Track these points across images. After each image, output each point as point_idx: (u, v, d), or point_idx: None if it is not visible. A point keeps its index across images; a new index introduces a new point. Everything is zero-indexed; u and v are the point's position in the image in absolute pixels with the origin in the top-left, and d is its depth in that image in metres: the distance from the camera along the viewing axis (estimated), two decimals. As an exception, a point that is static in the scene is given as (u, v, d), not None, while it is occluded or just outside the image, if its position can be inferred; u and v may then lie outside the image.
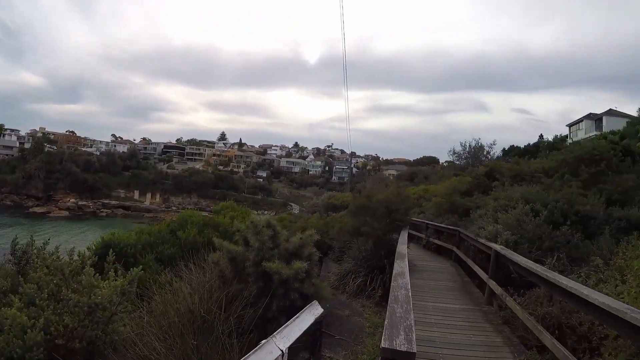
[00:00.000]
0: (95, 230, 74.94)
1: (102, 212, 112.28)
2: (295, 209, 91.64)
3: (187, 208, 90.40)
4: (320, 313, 4.85)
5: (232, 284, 6.46)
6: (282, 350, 3.66)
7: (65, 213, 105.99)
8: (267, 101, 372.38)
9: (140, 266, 7.06)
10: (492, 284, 9.37)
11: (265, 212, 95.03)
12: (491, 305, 9.57)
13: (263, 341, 3.76)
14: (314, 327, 7.52)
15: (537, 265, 7.19)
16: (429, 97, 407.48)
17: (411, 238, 20.12)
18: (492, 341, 7.21)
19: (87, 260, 6.91)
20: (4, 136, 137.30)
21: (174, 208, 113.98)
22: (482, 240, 11.41)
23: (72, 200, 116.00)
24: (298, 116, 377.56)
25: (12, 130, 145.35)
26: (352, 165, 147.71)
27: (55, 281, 6.18)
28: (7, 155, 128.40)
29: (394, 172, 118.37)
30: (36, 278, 6.30)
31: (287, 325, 4.14)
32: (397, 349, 2.99)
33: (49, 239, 11.58)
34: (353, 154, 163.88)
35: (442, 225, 18.35)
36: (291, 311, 6.09)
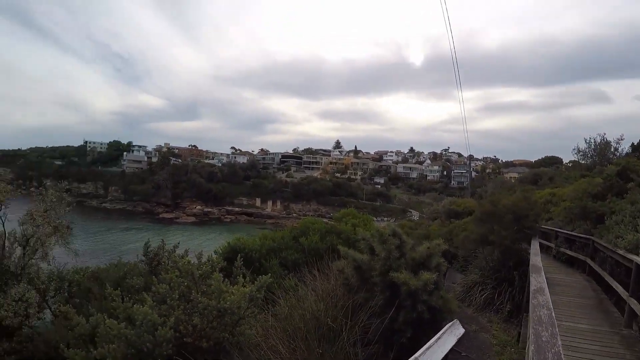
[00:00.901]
0: (220, 235, 78.35)
1: (227, 218, 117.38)
2: (415, 215, 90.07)
3: (307, 215, 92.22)
4: (461, 334, 4.53)
5: (358, 293, 6.34)
6: None
7: (192, 219, 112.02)
8: (378, 107, 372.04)
9: (269, 274, 7.16)
10: (633, 303, 8.23)
11: (385, 218, 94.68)
12: (631, 328, 8.46)
13: None
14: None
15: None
16: (542, 92, 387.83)
17: (540, 247, 19.01)
18: (632, 372, 6.28)
19: (216, 265, 7.09)
20: (132, 152, 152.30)
21: (294, 215, 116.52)
22: (621, 252, 10.27)
23: (198, 207, 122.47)
24: (410, 120, 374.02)
25: (140, 146, 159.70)
26: (471, 168, 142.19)
27: (185, 283, 6.42)
28: (137, 168, 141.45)
29: (515, 174, 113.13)
30: (168, 279, 6.58)
31: (430, 347, 3.88)
32: None
33: (178, 243, 12.17)
34: (471, 157, 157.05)
35: (573, 233, 16.77)
36: (417, 324, 5.87)
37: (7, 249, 15.95)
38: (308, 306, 6.00)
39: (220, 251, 13.01)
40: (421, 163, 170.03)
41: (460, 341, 7.94)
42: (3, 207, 16.23)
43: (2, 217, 16.33)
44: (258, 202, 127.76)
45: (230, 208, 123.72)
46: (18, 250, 16.01)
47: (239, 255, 7.88)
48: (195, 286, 6.48)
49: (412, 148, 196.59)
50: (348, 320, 5.54)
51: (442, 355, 3.85)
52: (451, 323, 4.63)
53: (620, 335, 8.16)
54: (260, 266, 11.85)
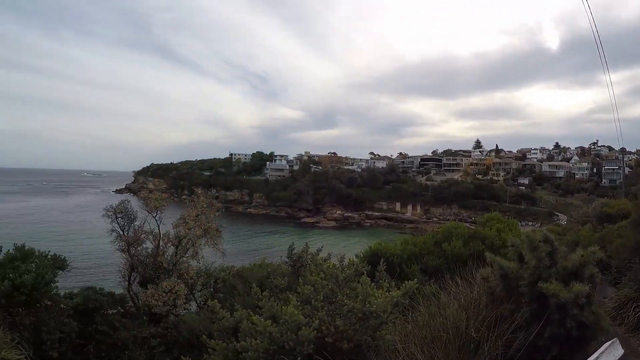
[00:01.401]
0: (360, 240, 79.23)
1: (366, 222, 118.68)
2: (563, 219, 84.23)
3: (448, 219, 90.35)
4: (620, 355, 4.04)
5: (502, 304, 6.01)
6: None
7: (333, 223, 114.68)
8: (517, 101, 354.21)
9: (415, 279, 7.05)
10: None
11: (530, 223, 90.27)
12: None
13: None
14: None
15: None
16: None
17: None
18: None
19: (361, 269, 7.13)
20: (275, 161, 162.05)
21: (434, 219, 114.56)
22: None
23: (339, 212, 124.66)
24: (553, 112, 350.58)
25: (282, 155, 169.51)
26: (624, 164, 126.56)
27: (330, 286, 6.52)
28: (279, 176, 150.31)
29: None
30: (312, 281, 6.74)
31: None
32: None
33: (322, 247, 12.40)
34: (623, 150, 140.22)
35: None
36: (564, 341, 5.44)
37: (161, 247, 17.56)
38: (449, 314, 5.80)
39: (362, 255, 13.08)
40: (568, 160, 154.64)
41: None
42: (158, 212, 17.83)
43: (158, 221, 17.94)
44: (398, 206, 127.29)
45: (370, 212, 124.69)
46: (171, 249, 17.64)
47: (382, 259, 7.87)
48: (339, 289, 6.56)
49: (557, 144, 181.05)
50: (490, 333, 5.27)
51: None
52: (610, 342, 4.14)
53: None
54: (401, 271, 11.73)
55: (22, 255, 13.07)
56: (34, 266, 12.72)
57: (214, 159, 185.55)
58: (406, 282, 6.76)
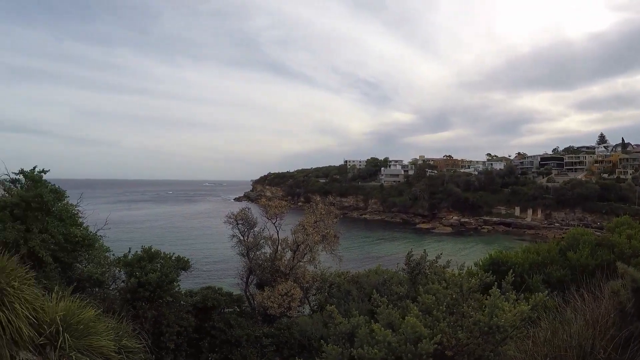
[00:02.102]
0: (475, 246, 77.18)
1: (484, 228, 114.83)
2: None
3: (571, 225, 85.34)
4: None
5: (635, 322, 5.49)
6: None
7: (449, 229, 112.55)
8: None
9: (546, 292, 6.62)
10: None
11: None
12: None
13: None
14: None
15: None
16: None
17: None
18: None
19: (485, 279, 6.83)
20: (389, 167, 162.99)
21: (556, 224, 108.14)
22: None
23: (455, 217, 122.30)
24: None
25: (396, 161, 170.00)
26: None
27: (454, 295, 6.31)
28: (394, 181, 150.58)
29: None
30: (434, 289, 6.55)
31: None
32: None
33: (441, 254, 12.15)
34: None
35: None
36: None
37: (279, 252, 18.19)
38: (573, 332, 5.38)
39: (481, 263, 12.59)
40: None
41: None
42: (278, 218, 18.47)
43: (277, 227, 18.59)
44: (517, 210, 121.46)
45: (487, 218, 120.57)
46: (288, 254, 18.21)
47: (511, 270, 7.51)
48: (463, 299, 6.32)
49: None
50: (618, 355, 4.82)
51: None
52: None
53: None
54: (522, 281, 11.14)
55: (149, 256, 14.29)
56: (159, 266, 13.97)
57: (329, 166, 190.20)
58: (536, 294, 6.35)
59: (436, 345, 5.49)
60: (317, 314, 17.31)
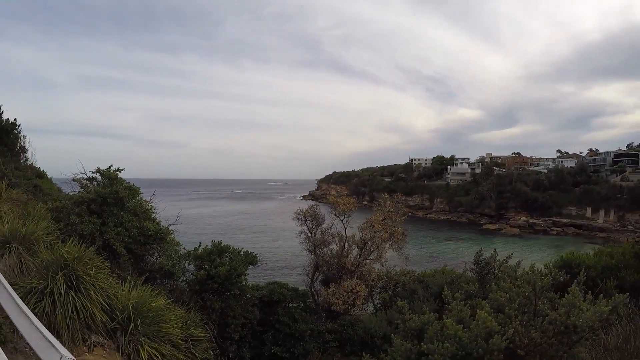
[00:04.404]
0: (542, 248, 75.13)
1: (553, 230, 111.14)
2: None
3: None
4: None
5: None
6: None
7: (516, 230, 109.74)
8: None
9: (627, 293, 6.32)
10: None
11: None
12: None
13: None
14: None
15: None
16: None
17: None
18: None
19: (559, 278, 6.61)
20: (456, 165, 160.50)
21: (630, 227, 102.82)
22: None
23: (523, 218, 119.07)
24: None
25: (462, 159, 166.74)
26: None
27: (526, 294, 6.17)
28: (461, 180, 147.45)
29: None
30: (507, 287, 6.47)
31: None
32: None
33: (512, 254, 11.92)
34: None
35: None
36: None
37: (346, 249, 18.26)
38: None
39: (552, 265, 12.22)
40: None
41: None
42: (346, 215, 18.57)
43: (345, 224, 18.70)
44: (589, 211, 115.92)
45: (556, 219, 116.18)
46: (355, 251, 18.24)
47: (582, 269, 7.29)
48: (536, 297, 6.15)
49: None
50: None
51: None
52: None
53: None
54: (594, 285, 10.74)
55: (219, 250, 14.86)
56: (227, 260, 14.54)
57: (394, 165, 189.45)
58: (617, 294, 6.03)
59: (507, 342, 5.37)
60: (381, 312, 17.31)
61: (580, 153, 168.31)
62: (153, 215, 14.21)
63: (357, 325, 15.90)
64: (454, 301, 6.84)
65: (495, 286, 7.22)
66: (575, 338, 5.48)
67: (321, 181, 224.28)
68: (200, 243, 15.18)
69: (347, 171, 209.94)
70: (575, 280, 6.40)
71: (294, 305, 16.62)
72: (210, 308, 13.55)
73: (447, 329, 5.88)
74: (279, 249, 56.49)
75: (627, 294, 5.99)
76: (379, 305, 18.85)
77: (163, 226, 14.06)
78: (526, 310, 5.88)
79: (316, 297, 18.04)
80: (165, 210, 15.31)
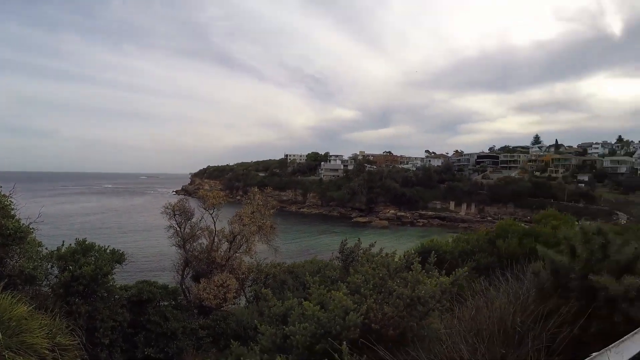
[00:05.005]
0: (411, 238, 79.10)
1: (419, 222, 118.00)
2: (622, 218, 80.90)
3: (503, 219, 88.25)
4: None
5: (552, 298, 5.87)
6: None
7: (385, 223, 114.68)
8: (578, 93, 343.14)
9: (465, 268, 6.99)
10: None
11: (588, 222, 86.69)
12: None
13: (595, 354, 3.33)
14: None
15: None
16: None
17: None
18: None
19: (412, 259, 7.14)
20: (329, 161, 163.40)
21: (488, 219, 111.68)
22: None
23: (392, 211, 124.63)
24: (616, 104, 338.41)
25: (336, 156, 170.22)
26: None
27: (380, 275, 6.61)
28: (333, 176, 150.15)
29: None
30: (363, 271, 6.84)
31: (624, 340, 3.51)
32: None
33: (374, 242, 12.46)
34: None
35: None
36: (608, 337, 5.25)
37: (216, 243, 18.11)
38: (495, 308, 5.73)
39: (414, 251, 13.00)
40: (631, 154, 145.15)
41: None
42: (215, 209, 18.35)
43: (214, 218, 18.47)
44: (452, 205, 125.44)
45: (423, 212, 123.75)
46: (225, 245, 18.14)
47: (433, 252, 7.87)
48: (389, 277, 6.61)
49: (620, 137, 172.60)
50: (536, 327, 5.17)
51: (637, 351, 3.43)
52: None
53: None
54: (452, 268, 11.61)
55: (83, 249, 13.89)
56: (93, 259, 13.55)
57: (270, 160, 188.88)
58: (456, 269, 6.73)
59: (363, 317, 5.72)
60: (253, 305, 17.41)
61: (447, 154, 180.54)
62: (12, 212, 13.16)
63: (230, 319, 15.82)
64: (314, 285, 7.19)
65: (352, 270, 7.62)
66: (422, 309, 5.96)
67: (195, 175, 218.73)
68: (63, 242, 14.21)
69: (221, 165, 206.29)
70: (427, 262, 7.05)
71: (165, 303, 16.13)
72: (77, 313, 12.60)
73: (306, 310, 6.15)
74: (151, 248, 54.38)
75: (466, 268, 6.80)
76: (251, 297, 18.89)
77: (23, 224, 13.10)
78: (382, 290, 6.28)
79: (187, 294, 17.69)
80: (25, 208, 14.20)
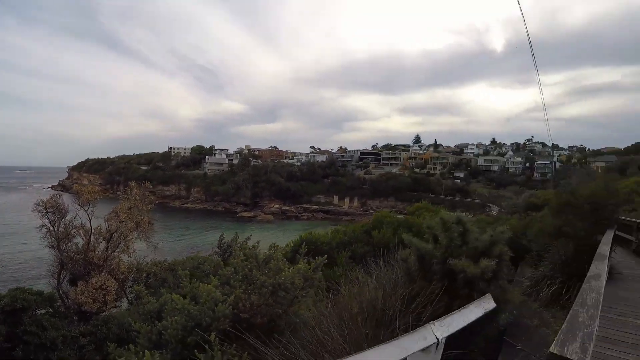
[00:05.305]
0: (296, 232, 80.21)
1: (304, 215, 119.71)
2: (494, 210, 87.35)
3: (390, 210, 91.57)
4: (491, 307, 4.38)
5: (418, 282, 6.35)
6: (437, 339, 3.37)
7: (271, 217, 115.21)
8: (459, 98, 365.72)
9: (325, 255, 7.38)
10: None
11: (463, 214, 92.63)
12: None
13: (421, 327, 3.51)
14: (497, 334, 7.07)
15: None
16: (636, 69, 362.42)
17: (619, 241, 17.99)
18: None
19: (280, 251, 7.41)
20: (214, 155, 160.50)
21: (371, 211, 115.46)
22: None
23: (277, 205, 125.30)
24: (492, 111, 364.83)
25: (222, 149, 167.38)
26: (555, 159, 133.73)
27: (249, 266, 6.79)
28: (218, 170, 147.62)
29: (602, 164, 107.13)
30: (234, 263, 7.00)
31: (450, 315, 3.78)
32: (567, 356, 2.60)
33: (250, 235, 12.59)
34: (556, 147, 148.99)
35: None
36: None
37: (92, 243, 17.25)
38: (366, 293, 6.10)
39: (292, 244, 13.31)
40: (503, 155, 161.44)
41: (518, 333, 7.71)
42: (91, 205, 17.49)
43: (90, 215, 17.61)
44: (336, 199, 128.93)
45: (307, 206, 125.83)
46: (102, 244, 17.30)
47: (303, 243, 8.15)
48: (257, 268, 6.80)
49: (493, 139, 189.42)
50: (405, 308, 5.58)
51: (463, 324, 3.74)
52: (482, 297, 4.51)
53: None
54: (330, 258, 12.04)
55: None
56: None
57: (153, 152, 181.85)
58: (317, 257, 7.10)
59: (232, 308, 5.88)
60: (135, 306, 16.92)
61: (332, 150, 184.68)
62: None
63: (111, 322, 15.10)
64: (185, 279, 7.33)
65: (223, 263, 7.81)
66: (286, 296, 6.26)
67: (73, 169, 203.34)
68: None
69: (102, 158, 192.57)
70: (297, 253, 7.38)
71: (42, 311, 15.15)
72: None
73: (177, 304, 6.22)
74: (27, 253, 49.92)
75: (325, 256, 7.28)
76: (133, 299, 18.33)
77: None
78: (254, 281, 6.47)
79: (65, 299, 16.73)
80: None
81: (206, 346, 5.09)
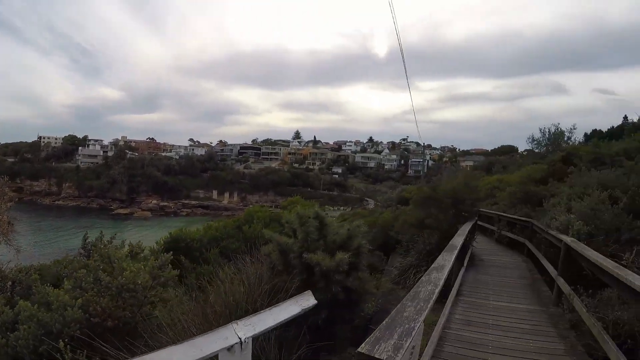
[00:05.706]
0: (174, 228, 78.30)
1: (183, 211, 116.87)
2: (371, 204, 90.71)
3: (263, 205, 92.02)
4: (310, 305, 4.20)
5: (281, 276, 6.49)
6: (240, 339, 3.09)
7: (148, 214, 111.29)
8: (340, 98, 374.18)
9: (171, 252, 7.47)
10: (561, 282, 8.38)
11: (341, 207, 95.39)
12: (559, 306, 8.52)
13: (222, 327, 3.24)
14: (364, 323, 7.41)
15: (608, 260, 6.05)
16: (504, 83, 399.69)
17: (483, 231, 19.40)
18: (554, 348, 6.47)
19: (138, 250, 7.27)
20: (88, 146, 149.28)
21: (250, 206, 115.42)
22: (553, 232, 10.38)
23: (154, 201, 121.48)
24: (371, 111, 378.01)
25: (96, 140, 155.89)
26: (428, 157, 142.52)
27: (102, 267, 6.55)
28: (92, 163, 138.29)
29: (471, 163, 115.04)
30: (88, 264, 6.74)
31: (259, 313, 3.57)
32: (376, 356, 2.43)
33: (115, 234, 12.13)
34: (429, 147, 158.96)
35: (514, 216, 17.02)
36: (333, 305, 6.04)
37: None
38: (229, 290, 6.14)
39: (162, 242, 13.02)
40: (379, 153, 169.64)
41: (381, 321, 8.04)
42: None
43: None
44: (215, 194, 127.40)
45: (186, 201, 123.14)
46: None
47: (161, 240, 8.03)
48: (111, 269, 6.61)
49: (371, 138, 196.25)
50: (265, 303, 5.68)
51: (275, 322, 3.55)
52: (303, 293, 4.42)
53: (548, 313, 8.35)
54: (201, 255, 11.92)
55: None
56: None
57: (20, 142, 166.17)
58: (162, 254, 7.15)
59: (82, 312, 5.70)
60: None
61: (211, 143, 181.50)
62: None
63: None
64: (35, 284, 7.05)
65: (77, 265, 7.53)
66: (135, 298, 6.23)
67: None
68: None
69: None
70: (159, 252, 7.32)
71: None
72: None
73: (25, 311, 5.93)
74: None
75: (171, 252, 7.60)
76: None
77: None
78: (109, 284, 6.30)
79: None
80: None
81: (57, 355, 4.89)
